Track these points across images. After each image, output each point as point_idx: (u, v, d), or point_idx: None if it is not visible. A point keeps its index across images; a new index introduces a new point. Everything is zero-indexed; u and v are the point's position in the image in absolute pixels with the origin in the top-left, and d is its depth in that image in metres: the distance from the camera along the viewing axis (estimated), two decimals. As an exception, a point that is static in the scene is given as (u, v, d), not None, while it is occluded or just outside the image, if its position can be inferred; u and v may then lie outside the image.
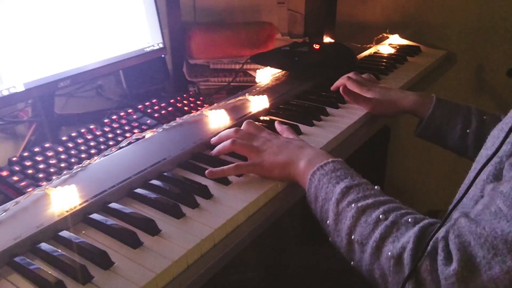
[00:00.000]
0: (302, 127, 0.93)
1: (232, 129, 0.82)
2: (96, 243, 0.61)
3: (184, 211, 0.66)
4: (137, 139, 0.85)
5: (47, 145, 0.84)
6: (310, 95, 1.12)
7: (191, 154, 0.82)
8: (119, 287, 0.54)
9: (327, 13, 1.63)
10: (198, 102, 1.13)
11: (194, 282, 0.58)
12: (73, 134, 0.90)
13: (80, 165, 0.75)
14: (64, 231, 0.62)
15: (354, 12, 1.82)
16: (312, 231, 1.31)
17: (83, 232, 0.64)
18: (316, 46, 1.28)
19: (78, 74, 1.00)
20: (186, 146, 0.82)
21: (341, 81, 1.08)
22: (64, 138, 0.88)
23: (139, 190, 0.71)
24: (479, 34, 1.65)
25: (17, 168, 0.78)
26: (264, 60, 1.25)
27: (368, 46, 1.55)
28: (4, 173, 0.76)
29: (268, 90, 1.10)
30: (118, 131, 0.94)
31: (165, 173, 0.76)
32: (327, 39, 1.63)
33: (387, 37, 1.62)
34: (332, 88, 1.10)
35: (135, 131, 0.95)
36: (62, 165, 0.81)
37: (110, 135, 0.92)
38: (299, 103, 1.08)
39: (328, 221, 0.65)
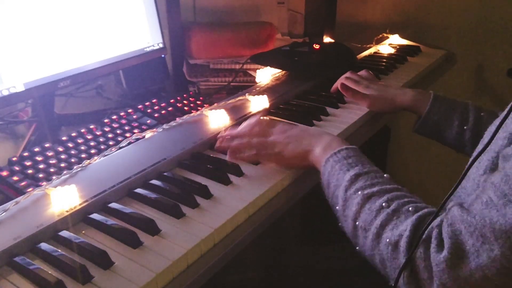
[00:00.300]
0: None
1: (246, 127, 0.82)
2: (96, 243, 0.61)
3: (184, 211, 0.66)
4: (137, 139, 0.85)
5: (47, 145, 0.84)
6: (310, 95, 1.12)
7: (191, 154, 0.82)
8: (119, 287, 0.54)
9: (327, 13, 1.63)
10: (198, 102, 1.13)
11: (194, 282, 0.58)
12: (73, 134, 0.90)
13: (80, 165, 0.75)
14: (64, 231, 0.62)
15: (354, 12, 1.82)
16: (312, 231, 1.31)
17: (83, 232, 0.64)
18: (316, 46, 1.28)
19: (78, 74, 1.00)
20: (186, 146, 0.82)
21: (339, 81, 1.08)
22: (64, 138, 0.88)
23: (139, 190, 0.71)
24: (479, 34, 1.65)
25: (17, 168, 0.78)
26: (264, 60, 1.25)
27: (368, 46, 1.55)
28: (4, 173, 0.76)
29: (268, 90, 1.10)
30: (118, 131, 0.94)
31: (165, 173, 0.76)
32: (327, 39, 1.63)
33: (387, 37, 1.62)
34: (331, 90, 1.11)
35: (135, 131, 0.95)
36: (62, 165, 0.81)
37: (110, 135, 0.92)
38: (299, 103, 1.08)
39: (337, 207, 0.68)
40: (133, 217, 0.65)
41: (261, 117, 0.85)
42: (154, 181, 0.74)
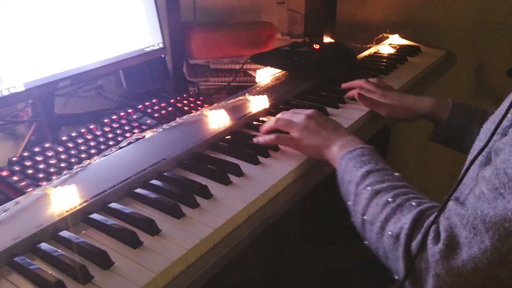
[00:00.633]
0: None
1: (282, 112, 0.89)
2: (96, 243, 0.61)
3: (184, 211, 0.66)
4: (137, 139, 0.85)
5: (47, 145, 0.84)
6: (310, 95, 1.12)
7: (191, 154, 0.82)
8: (119, 287, 0.54)
9: (327, 13, 1.63)
10: (198, 102, 1.13)
11: (194, 282, 0.58)
12: (73, 134, 0.90)
13: (80, 165, 0.75)
14: (64, 231, 0.62)
15: (354, 12, 1.82)
16: (312, 231, 1.31)
17: (83, 232, 0.64)
18: (316, 46, 1.28)
19: (78, 74, 1.00)
20: (186, 146, 0.82)
21: (357, 83, 1.07)
22: (64, 138, 0.88)
23: (139, 190, 0.71)
24: (479, 34, 1.65)
25: (17, 168, 0.78)
26: (264, 60, 1.25)
27: (368, 46, 1.55)
28: (4, 173, 0.76)
29: (268, 90, 1.10)
30: (118, 131, 0.94)
31: (165, 173, 0.76)
32: (327, 39, 1.63)
33: (387, 37, 1.62)
34: (343, 86, 1.10)
35: (135, 131, 0.95)
36: (62, 165, 0.81)
37: (110, 135, 0.92)
38: (299, 103, 1.08)
39: (349, 202, 0.70)
40: (133, 217, 0.65)
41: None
42: (154, 181, 0.74)
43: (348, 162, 0.72)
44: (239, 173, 0.76)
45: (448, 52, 1.52)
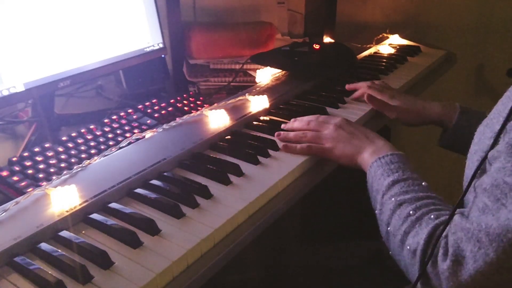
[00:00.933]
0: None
1: (305, 121, 0.88)
2: (96, 243, 0.61)
3: (184, 211, 0.66)
4: (137, 139, 0.85)
5: (47, 145, 0.84)
6: (310, 95, 1.12)
7: (191, 154, 0.82)
8: (119, 287, 0.54)
9: (327, 13, 1.63)
10: (198, 102, 1.13)
11: (194, 282, 0.58)
12: (73, 134, 0.90)
13: (80, 165, 0.75)
14: (64, 231, 0.62)
15: (354, 12, 1.82)
16: (312, 231, 1.31)
17: (83, 232, 0.63)
18: (316, 46, 1.28)
19: (78, 74, 1.00)
20: (186, 146, 0.82)
21: (361, 90, 1.06)
22: (64, 138, 0.88)
23: (139, 190, 0.71)
24: (479, 34, 1.65)
25: (17, 168, 0.78)
26: (264, 60, 1.25)
27: (368, 46, 1.55)
28: (4, 173, 0.76)
29: (268, 90, 1.10)
30: (118, 131, 0.94)
31: (165, 173, 0.76)
32: (327, 39, 1.63)
33: (387, 37, 1.62)
34: (347, 87, 1.09)
35: (135, 131, 0.95)
36: (62, 165, 0.81)
37: (110, 135, 0.92)
38: (299, 103, 1.08)
39: (376, 211, 0.70)
40: (133, 217, 0.65)
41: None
42: (154, 181, 0.74)
43: (377, 170, 0.72)
44: (239, 173, 0.76)
45: (448, 52, 1.52)
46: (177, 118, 0.92)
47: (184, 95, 1.14)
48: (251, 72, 1.33)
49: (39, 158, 0.81)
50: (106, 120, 0.97)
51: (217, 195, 0.71)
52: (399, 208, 0.65)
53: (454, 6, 1.66)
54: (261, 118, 0.98)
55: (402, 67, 1.37)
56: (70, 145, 0.86)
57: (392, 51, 1.49)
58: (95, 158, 0.78)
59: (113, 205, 0.68)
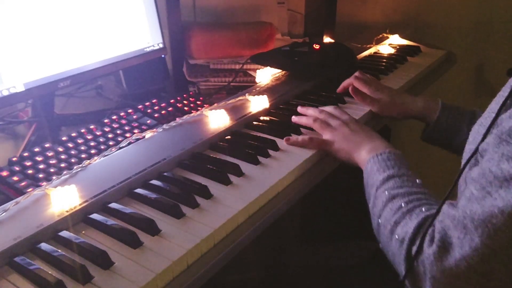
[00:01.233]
0: (303, 127, 0.93)
1: (318, 109, 0.92)
2: (96, 243, 0.61)
3: (184, 211, 0.66)
4: (137, 139, 0.85)
5: (47, 145, 0.84)
6: (310, 95, 1.12)
7: (191, 154, 0.82)
8: (119, 287, 0.54)
9: (327, 13, 1.63)
10: (198, 102, 1.13)
11: (194, 282, 0.58)
12: (73, 134, 0.90)
13: (80, 165, 0.75)
14: (64, 231, 0.62)
15: (354, 12, 1.82)
16: (312, 231, 1.31)
17: (83, 232, 0.64)
18: (316, 46, 1.28)
19: (78, 74, 1.00)
20: (186, 146, 0.82)
21: (348, 81, 1.07)
22: (64, 138, 0.88)
23: (139, 190, 0.71)
24: (479, 34, 1.65)
25: (17, 168, 0.78)
26: (264, 60, 1.25)
27: (368, 46, 1.55)
28: (4, 173, 0.76)
29: (268, 90, 1.10)
30: (118, 131, 0.94)
31: (165, 173, 0.76)
32: (327, 39, 1.63)
33: (387, 37, 1.62)
34: (338, 90, 1.10)
35: (135, 131, 0.95)
36: (62, 165, 0.81)
37: (110, 135, 0.92)
38: (299, 103, 1.07)
39: (369, 205, 0.71)
40: (133, 217, 0.65)
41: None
42: (154, 181, 0.74)
43: (373, 166, 0.73)
44: (239, 173, 0.76)
45: (448, 52, 1.52)
46: (177, 118, 0.92)
47: (184, 95, 1.14)
48: (251, 72, 1.33)
49: (39, 158, 0.81)
50: (106, 120, 0.97)
51: (217, 195, 0.71)
52: (392, 201, 0.66)
53: (454, 6, 1.66)
54: (261, 118, 0.98)
55: (402, 67, 1.37)
56: (70, 145, 0.86)
57: (392, 51, 1.49)
58: (95, 158, 0.78)
59: (113, 205, 0.68)
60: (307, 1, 1.66)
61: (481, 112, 0.93)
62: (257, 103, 1.00)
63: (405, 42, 1.61)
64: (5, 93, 0.88)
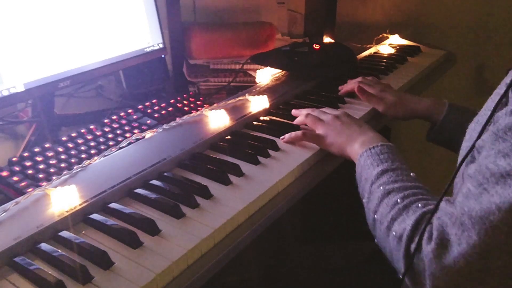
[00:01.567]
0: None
1: (311, 108, 0.93)
2: (96, 243, 0.61)
3: (184, 211, 0.66)
4: (137, 139, 0.85)
5: (47, 145, 0.84)
6: (310, 95, 1.12)
7: (191, 154, 0.82)
8: (119, 287, 0.54)
9: (327, 13, 1.63)
10: (198, 102, 1.13)
11: (194, 282, 0.58)
12: (73, 134, 0.90)
13: (80, 165, 0.75)
14: (64, 231, 0.62)
15: (354, 12, 1.82)
16: (312, 231, 1.31)
17: (83, 232, 0.64)
18: (316, 46, 1.28)
19: (78, 74, 1.00)
20: (186, 146, 0.82)
21: (351, 85, 1.08)
22: (64, 138, 0.88)
23: (139, 190, 0.71)
24: (479, 34, 1.65)
25: (17, 168, 0.78)
26: (264, 60, 1.25)
27: (368, 46, 1.55)
28: (4, 173, 0.76)
29: (268, 90, 1.10)
30: (118, 131, 0.94)
31: (165, 173, 0.76)
32: (327, 39, 1.63)
33: (387, 37, 1.62)
34: (340, 93, 1.10)
35: (135, 131, 0.95)
36: (62, 165, 0.81)
37: (110, 135, 0.92)
38: (299, 103, 1.07)
39: (364, 200, 0.71)
40: (133, 217, 0.65)
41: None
42: (154, 181, 0.74)
43: (366, 160, 0.73)
44: (239, 173, 0.76)
45: (448, 52, 1.52)
46: (177, 118, 0.92)
47: (184, 95, 1.14)
48: (251, 72, 1.33)
49: (39, 158, 0.81)
50: (106, 120, 0.97)
51: (217, 195, 0.71)
52: (387, 196, 0.65)
53: (454, 6, 1.66)
54: (261, 118, 0.98)
55: (402, 67, 1.37)
56: (70, 145, 0.86)
57: (392, 51, 1.49)
58: (95, 158, 0.78)
59: (113, 205, 0.68)
60: (307, 1, 1.66)
61: None
62: (257, 103, 1.00)
63: (405, 42, 1.61)
64: (5, 93, 0.88)
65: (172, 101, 1.10)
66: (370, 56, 1.46)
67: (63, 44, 0.97)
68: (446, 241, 0.55)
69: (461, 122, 0.93)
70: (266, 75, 1.21)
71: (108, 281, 0.55)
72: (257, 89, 1.12)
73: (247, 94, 1.04)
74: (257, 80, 1.23)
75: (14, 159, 0.80)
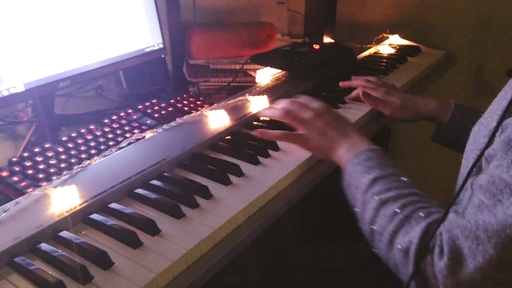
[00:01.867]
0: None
1: (289, 100, 0.87)
2: (96, 243, 0.61)
3: (184, 211, 0.66)
4: (137, 139, 0.85)
5: (47, 145, 0.84)
6: (310, 95, 1.12)
7: (191, 154, 0.82)
8: (119, 287, 0.54)
9: (327, 13, 1.63)
10: (198, 102, 1.13)
11: (194, 282, 0.58)
12: (73, 135, 0.90)
13: (80, 165, 0.75)
14: (64, 232, 0.62)
15: (354, 12, 1.82)
16: (312, 231, 1.31)
17: (83, 232, 0.64)
18: (316, 46, 1.28)
19: (78, 74, 1.00)
20: (186, 146, 0.82)
21: (356, 83, 1.07)
22: (64, 138, 0.88)
23: (139, 190, 0.71)
24: (479, 34, 1.65)
25: (17, 169, 0.78)
26: (264, 60, 1.25)
27: (368, 46, 1.55)
28: (4, 174, 0.76)
29: (268, 90, 1.10)
30: (118, 131, 0.94)
31: (165, 173, 0.76)
32: (327, 39, 1.63)
33: (387, 37, 1.62)
34: (341, 84, 1.10)
35: (135, 131, 0.95)
36: (62, 165, 0.81)
37: (110, 135, 0.92)
38: (299, 103, 1.07)
39: (357, 209, 0.69)
40: (133, 217, 0.65)
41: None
42: (154, 181, 0.74)
43: (355, 168, 0.71)
44: (239, 173, 0.76)
45: (448, 52, 1.52)
46: (177, 118, 0.92)
47: (184, 95, 1.14)
48: (251, 72, 1.33)
49: (39, 159, 0.81)
50: (106, 121, 0.97)
51: (217, 195, 0.71)
52: (384, 206, 0.64)
53: (454, 6, 1.66)
54: (261, 118, 0.98)
55: (402, 67, 1.37)
56: (70, 145, 0.86)
57: (392, 51, 1.49)
58: (95, 158, 0.78)
59: (113, 205, 0.68)
60: (307, 1, 1.66)
61: None
62: (257, 103, 1.00)
63: (405, 42, 1.61)
64: (5, 93, 0.88)
65: (172, 101, 1.10)
66: (370, 56, 1.46)
67: (63, 44, 0.97)
68: (459, 256, 0.53)
69: (466, 123, 0.92)
70: (266, 75, 1.21)
71: (108, 281, 0.55)
72: (257, 89, 1.12)
73: (247, 94, 1.04)
74: (257, 80, 1.23)
75: (14, 159, 0.80)
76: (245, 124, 0.95)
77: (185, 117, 0.93)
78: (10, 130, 1.09)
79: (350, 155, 0.73)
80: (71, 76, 0.99)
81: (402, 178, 0.67)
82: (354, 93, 1.08)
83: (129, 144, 0.83)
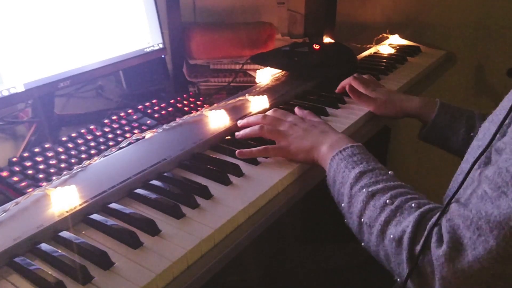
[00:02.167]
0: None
1: (260, 115, 0.87)
2: (96, 243, 0.61)
3: (184, 211, 0.66)
4: (137, 140, 0.85)
5: (47, 145, 0.84)
6: (310, 95, 1.12)
7: (191, 155, 0.82)
8: (119, 287, 0.54)
9: (327, 13, 1.63)
10: (198, 103, 1.13)
11: (194, 282, 0.58)
12: (73, 135, 0.90)
13: (80, 165, 0.75)
14: (64, 232, 0.62)
15: (354, 12, 1.82)
16: (312, 231, 1.31)
17: (83, 232, 0.64)
18: (316, 46, 1.28)
19: (78, 75, 1.00)
20: (186, 147, 0.82)
21: (346, 81, 1.09)
22: (64, 138, 0.88)
23: (139, 191, 0.71)
24: (479, 34, 1.65)
25: (17, 169, 0.78)
26: (264, 60, 1.25)
27: (368, 46, 1.55)
28: (4, 174, 0.76)
29: (268, 90, 1.10)
30: (118, 132, 0.94)
31: (165, 174, 0.76)
32: (327, 39, 1.63)
33: (387, 37, 1.62)
34: (337, 90, 1.11)
35: (135, 131, 0.95)
36: (62, 165, 0.81)
37: (110, 136, 0.92)
38: (299, 103, 1.07)
39: (343, 204, 0.69)
40: (133, 218, 0.65)
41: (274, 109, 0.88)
42: (154, 182, 0.74)
43: (340, 163, 0.71)
44: (239, 173, 0.76)
45: (448, 52, 1.52)
46: (177, 119, 0.92)
47: (184, 95, 1.14)
48: (251, 72, 1.33)
49: (39, 159, 0.81)
50: (106, 121, 0.97)
51: (217, 195, 0.71)
52: (373, 198, 0.64)
53: (454, 6, 1.66)
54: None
55: (402, 67, 1.37)
56: (70, 145, 0.86)
57: (392, 51, 1.49)
58: (95, 158, 0.78)
59: (113, 205, 0.68)
60: (307, 1, 1.66)
61: (480, 113, 0.93)
62: (257, 103, 1.00)
63: (405, 42, 1.61)
64: (5, 93, 0.88)
65: (172, 101, 1.10)
66: (370, 56, 1.46)
67: (63, 44, 0.97)
68: (459, 245, 0.53)
69: (451, 121, 0.94)
70: (266, 75, 1.21)
71: (108, 281, 0.55)
72: (257, 89, 1.12)
73: (247, 94, 1.04)
74: (257, 80, 1.23)
75: (14, 159, 0.80)
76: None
77: (185, 117, 0.93)
78: (10, 130, 1.09)
79: (333, 152, 0.73)
80: (71, 76, 0.99)
81: (387, 171, 0.68)
82: (340, 86, 1.09)
83: (129, 144, 0.83)
